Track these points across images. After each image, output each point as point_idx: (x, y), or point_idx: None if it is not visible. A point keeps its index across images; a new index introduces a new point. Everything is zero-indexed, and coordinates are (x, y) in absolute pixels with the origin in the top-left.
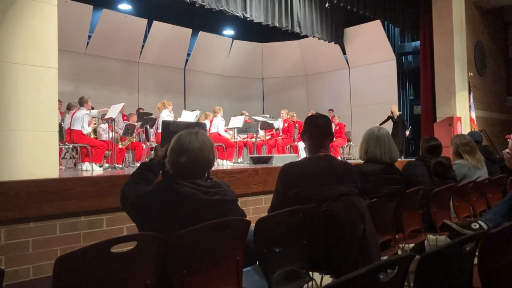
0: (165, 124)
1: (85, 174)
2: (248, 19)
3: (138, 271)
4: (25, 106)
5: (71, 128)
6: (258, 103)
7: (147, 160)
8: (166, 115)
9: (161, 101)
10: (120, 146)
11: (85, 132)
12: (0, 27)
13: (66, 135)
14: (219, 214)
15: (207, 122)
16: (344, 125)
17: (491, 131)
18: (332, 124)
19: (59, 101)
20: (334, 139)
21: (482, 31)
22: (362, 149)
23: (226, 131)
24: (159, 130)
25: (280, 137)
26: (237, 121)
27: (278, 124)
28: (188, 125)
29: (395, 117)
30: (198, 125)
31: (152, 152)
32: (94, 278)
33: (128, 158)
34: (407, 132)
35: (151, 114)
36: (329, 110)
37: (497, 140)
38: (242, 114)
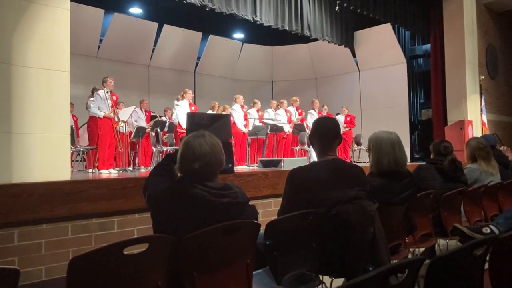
0: (190, 116)
1: (96, 176)
2: (258, 22)
3: (149, 273)
4: (38, 109)
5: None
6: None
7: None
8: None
9: (171, 104)
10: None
11: (92, 112)
12: (14, 31)
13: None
14: (229, 217)
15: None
16: (354, 116)
17: (503, 134)
18: (348, 117)
19: (71, 104)
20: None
21: (494, 34)
22: (372, 160)
23: (246, 126)
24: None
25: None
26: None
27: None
28: (212, 116)
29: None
30: (222, 117)
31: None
32: (106, 279)
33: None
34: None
35: (161, 116)
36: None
37: (509, 143)
38: (254, 103)
